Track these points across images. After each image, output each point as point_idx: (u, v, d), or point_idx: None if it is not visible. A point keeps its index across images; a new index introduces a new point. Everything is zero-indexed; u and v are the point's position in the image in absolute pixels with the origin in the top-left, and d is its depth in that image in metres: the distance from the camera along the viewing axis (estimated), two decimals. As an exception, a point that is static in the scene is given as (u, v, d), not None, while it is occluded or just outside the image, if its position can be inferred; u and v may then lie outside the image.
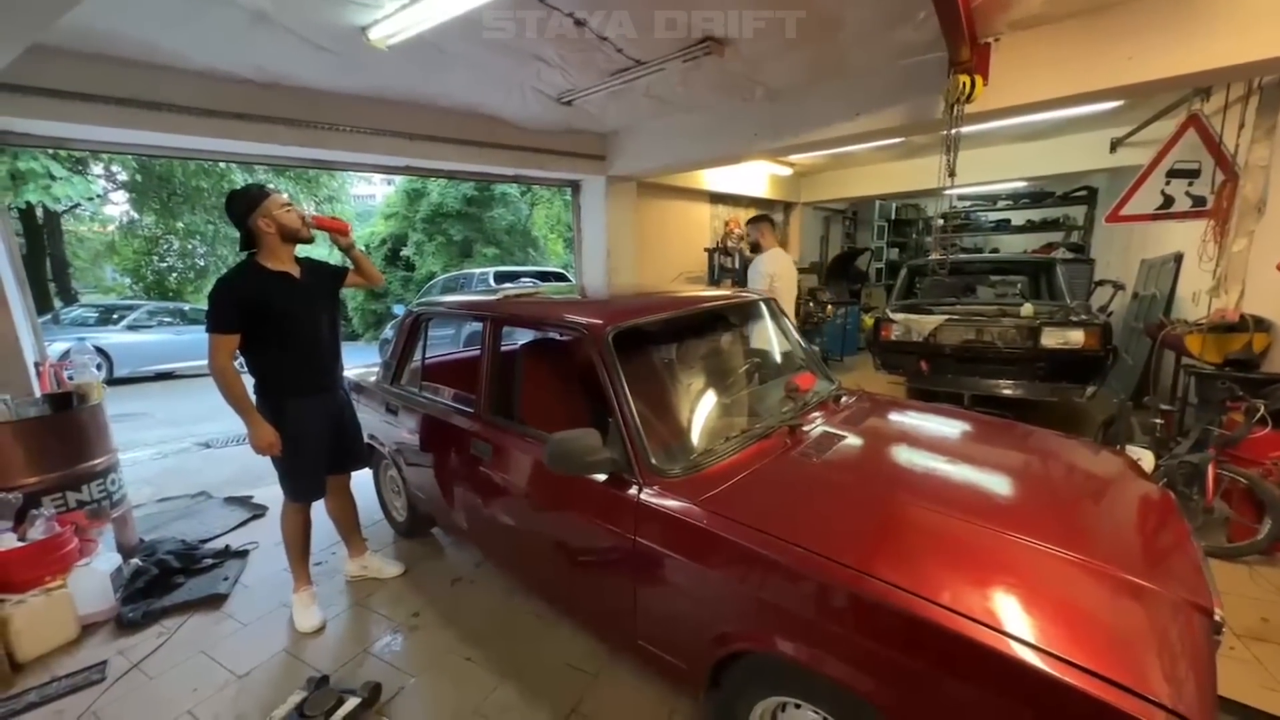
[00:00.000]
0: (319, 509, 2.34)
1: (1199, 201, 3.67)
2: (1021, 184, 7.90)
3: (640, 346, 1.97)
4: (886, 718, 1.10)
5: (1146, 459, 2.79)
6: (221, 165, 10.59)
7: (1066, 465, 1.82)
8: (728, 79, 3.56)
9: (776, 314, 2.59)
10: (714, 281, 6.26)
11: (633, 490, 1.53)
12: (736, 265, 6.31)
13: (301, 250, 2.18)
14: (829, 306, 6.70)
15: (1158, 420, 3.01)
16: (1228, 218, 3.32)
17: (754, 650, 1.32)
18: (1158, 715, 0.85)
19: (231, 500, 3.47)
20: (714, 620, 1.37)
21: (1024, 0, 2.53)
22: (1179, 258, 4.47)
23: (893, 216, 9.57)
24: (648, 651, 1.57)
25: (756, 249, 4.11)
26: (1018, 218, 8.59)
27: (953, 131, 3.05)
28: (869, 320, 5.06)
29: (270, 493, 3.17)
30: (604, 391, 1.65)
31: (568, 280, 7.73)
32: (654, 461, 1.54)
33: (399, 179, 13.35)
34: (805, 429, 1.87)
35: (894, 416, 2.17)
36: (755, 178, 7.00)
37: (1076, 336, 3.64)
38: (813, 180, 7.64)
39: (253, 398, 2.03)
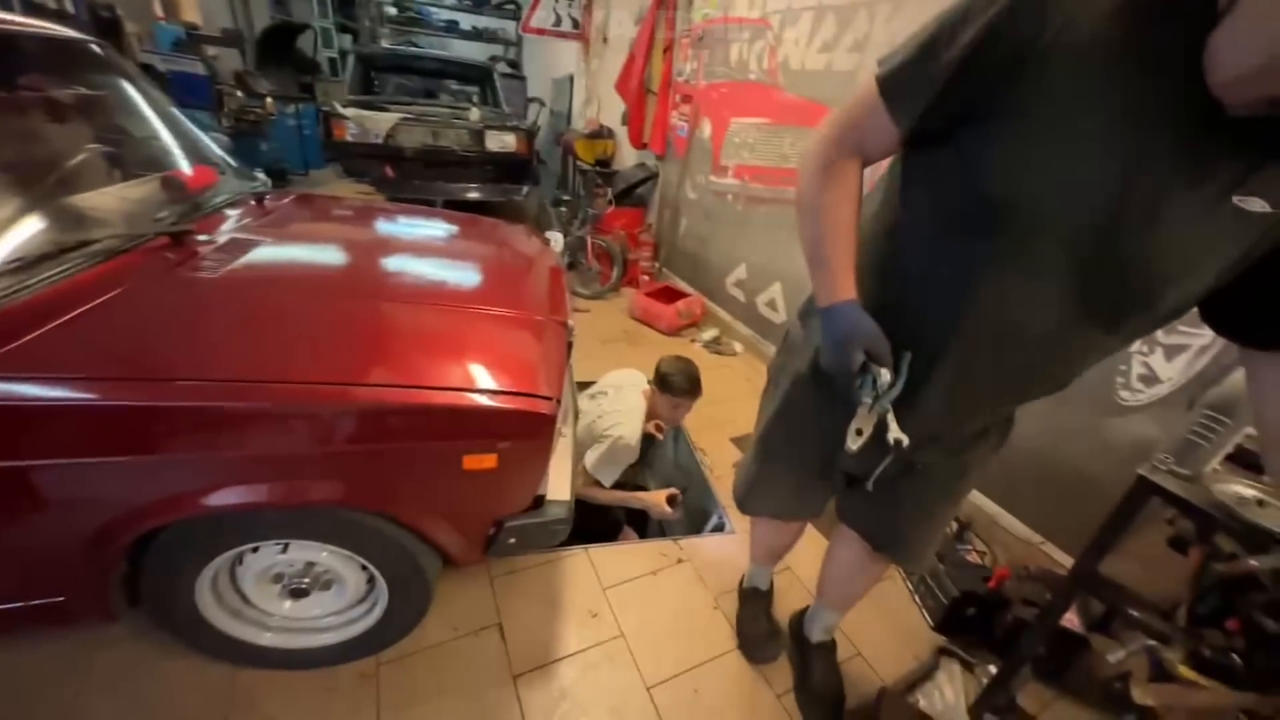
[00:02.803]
0: None
1: (576, 24, 4.56)
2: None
3: None
4: (352, 507, 1.09)
5: (557, 239, 3.70)
6: None
7: (510, 248, 2.08)
8: None
9: (129, 73, 1.70)
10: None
11: None
12: (74, 8, 3.85)
13: None
14: (269, 100, 5.24)
15: (563, 209, 3.97)
16: (589, 41, 4.28)
17: (175, 521, 1.02)
18: (540, 404, 1.13)
19: None
20: (84, 522, 0.95)
21: None
22: (572, 78, 5.63)
23: (335, -12, 7.87)
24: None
25: None
26: (464, 22, 8.70)
27: None
28: (326, 120, 4.28)
29: None
30: None
31: None
32: None
33: None
34: (203, 239, 1.39)
35: (341, 215, 1.92)
36: None
37: (510, 140, 4.18)
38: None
39: None
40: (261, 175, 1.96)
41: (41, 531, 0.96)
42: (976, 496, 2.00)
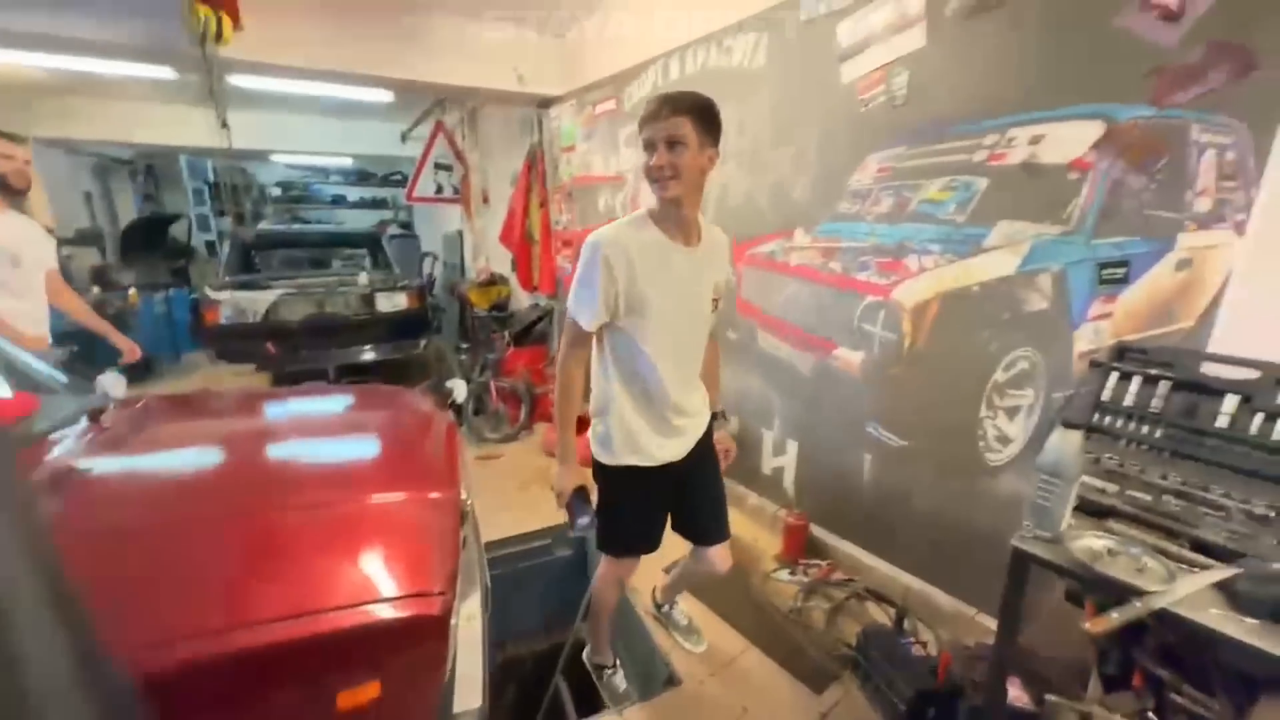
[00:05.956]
0: None
1: (456, 190, 4.95)
2: (349, 162, 8.37)
3: None
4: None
5: (460, 388, 3.62)
6: None
7: (393, 415, 1.97)
8: None
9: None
10: None
11: None
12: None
13: None
14: (132, 291, 4.97)
15: (463, 357, 3.97)
16: (469, 203, 4.63)
17: None
18: (421, 604, 1.01)
19: None
20: None
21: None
22: (461, 233, 5.98)
23: (212, 178, 8.01)
24: None
25: None
26: (352, 194, 9.14)
27: (214, 75, 2.65)
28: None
29: None
30: None
31: None
32: None
33: None
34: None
35: (195, 416, 1.76)
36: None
37: (401, 299, 4.23)
38: (43, 106, 5.18)
39: None
40: (110, 379, 1.77)
41: None
42: (905, 577, 2.02)
